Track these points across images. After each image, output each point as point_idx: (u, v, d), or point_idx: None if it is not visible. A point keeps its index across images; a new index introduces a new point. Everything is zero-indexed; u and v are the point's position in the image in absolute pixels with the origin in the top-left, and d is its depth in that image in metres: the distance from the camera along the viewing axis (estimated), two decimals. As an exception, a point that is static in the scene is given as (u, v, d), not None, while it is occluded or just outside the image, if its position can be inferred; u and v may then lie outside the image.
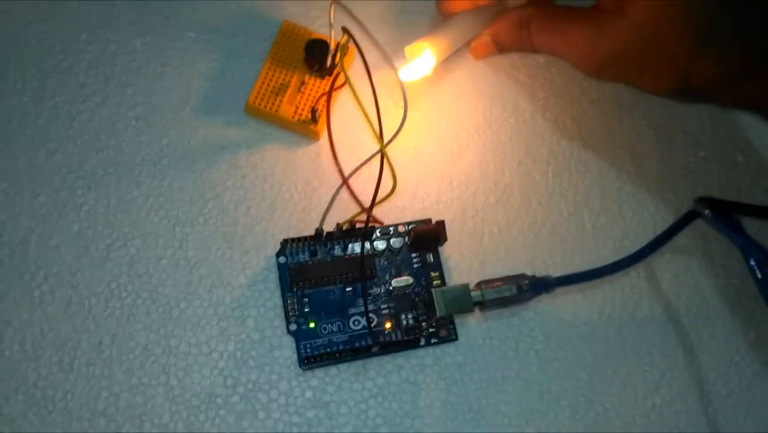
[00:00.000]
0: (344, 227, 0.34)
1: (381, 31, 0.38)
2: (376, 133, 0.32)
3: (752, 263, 0.36)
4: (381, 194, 0.32)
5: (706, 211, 0.35)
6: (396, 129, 0.32)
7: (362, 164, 0.34)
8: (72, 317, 0.33)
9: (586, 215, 0.37)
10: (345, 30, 0.33)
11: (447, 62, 0.38)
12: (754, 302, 0.37)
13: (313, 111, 0.35)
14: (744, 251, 0.35)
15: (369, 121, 0.32)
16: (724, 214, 0.34)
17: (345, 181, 0.35)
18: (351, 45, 0.33)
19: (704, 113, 0.40)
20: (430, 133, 0.38)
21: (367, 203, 0.34)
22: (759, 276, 0.35)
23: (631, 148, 0.39)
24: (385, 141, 0.32)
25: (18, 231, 0.33)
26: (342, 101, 0.37)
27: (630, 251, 0.36)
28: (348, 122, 0.36)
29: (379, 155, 0.32)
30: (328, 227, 0.34)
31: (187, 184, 0.35)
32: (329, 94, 0.36)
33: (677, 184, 0.38)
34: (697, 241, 0.37)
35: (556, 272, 0.35)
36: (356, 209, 0.35)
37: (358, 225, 0.34)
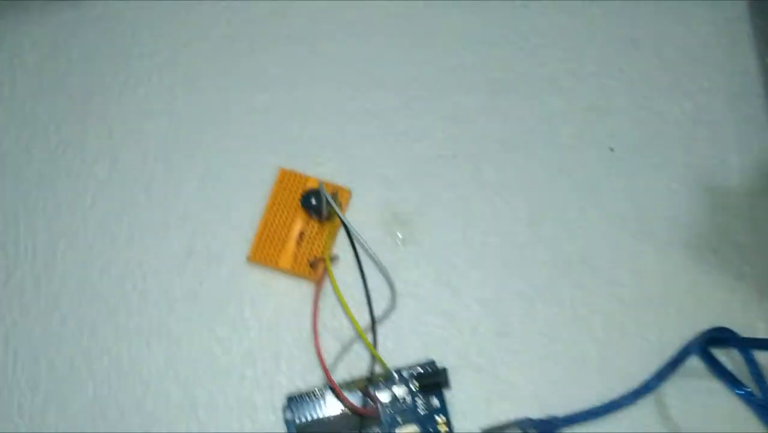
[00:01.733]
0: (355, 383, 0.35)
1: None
2: (359, 329, 0.33)
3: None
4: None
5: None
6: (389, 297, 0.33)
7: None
8: None
9: (589, 344, 0.37)
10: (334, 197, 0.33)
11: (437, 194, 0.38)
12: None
13: (314, 262, 0.36)
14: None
15: (352, 317, 0.33)
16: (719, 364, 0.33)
17: (332, 384, 0.35)
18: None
19: (705, 225, 0.39)
20: (428, 268, 0.38)
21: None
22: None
23: (632, 269, 0.38)
24: (376, 319, 0.33)
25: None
26: (342, 245, 0.38)
27: (637, 379, 0.36)
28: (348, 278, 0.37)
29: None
30: (337, 376, 0.35)
31: (194, 341, 0.36)
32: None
33: (682, 305, 0.38)
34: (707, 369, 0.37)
35: (562, 405, 0.35)
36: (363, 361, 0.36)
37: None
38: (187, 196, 0.38)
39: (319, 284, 0.37)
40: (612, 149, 0.41)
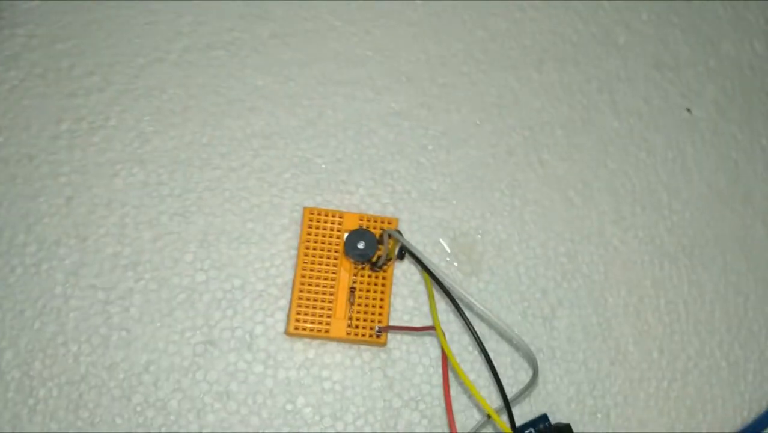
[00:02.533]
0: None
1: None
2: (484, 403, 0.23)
3: None
4: None
5: None
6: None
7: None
8: None
9: (718, 354, 0.31)
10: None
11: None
12: None
13: (379, 330, 0.28)
14: None
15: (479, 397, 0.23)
16: None
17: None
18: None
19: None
20: (509, 299, 0.30)
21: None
22: None
23: (741, 245, 0.32)
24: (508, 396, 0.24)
25: None
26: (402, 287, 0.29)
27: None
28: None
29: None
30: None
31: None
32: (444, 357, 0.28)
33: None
34: None
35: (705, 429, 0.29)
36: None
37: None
38: (184, 267, 0.29)
39: (385, 343, 0.29)
40: (689, 110, 0.34)
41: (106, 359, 0.28)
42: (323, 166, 0.31)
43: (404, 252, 0.28)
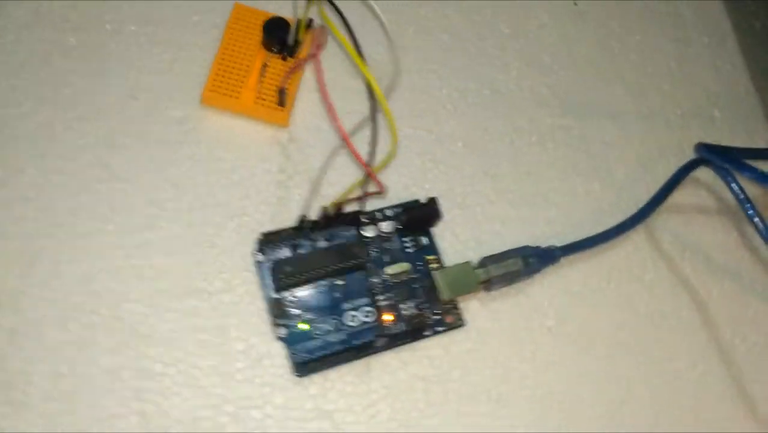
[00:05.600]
0: (331, 211, 0.31)
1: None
2: (374, 85, 0.27)
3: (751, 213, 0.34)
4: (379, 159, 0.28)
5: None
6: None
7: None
8: (21, 348, 0.28)
9: (577, 181, 0.35)
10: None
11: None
12: (757, 255, 0.35)
13: (281, 92, 0.32)
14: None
15: (365, 70, 0.27)
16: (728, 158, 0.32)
17: (345, 138, 0.29)
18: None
19: (676, 72, 0.39)
20: (411, 112, 0.35)
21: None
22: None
23: (610, 110, 0.37)
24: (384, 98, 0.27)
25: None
26: (309, 82, 0.34)
27: (627, 214, 0.34)
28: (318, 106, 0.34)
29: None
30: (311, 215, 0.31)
31: (144, 185, 0.31)
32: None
33: (661, 143, 0.37)
34: (692, 198, 0.36)
35: (557, 243, 0.33)
36: (337, 194, 0.32)
37: (346, 209, 0.31)
38: (127, 41, 0.34)
39: (287, 123, 0.33)
40: (575, 3, 0.40)
41: None
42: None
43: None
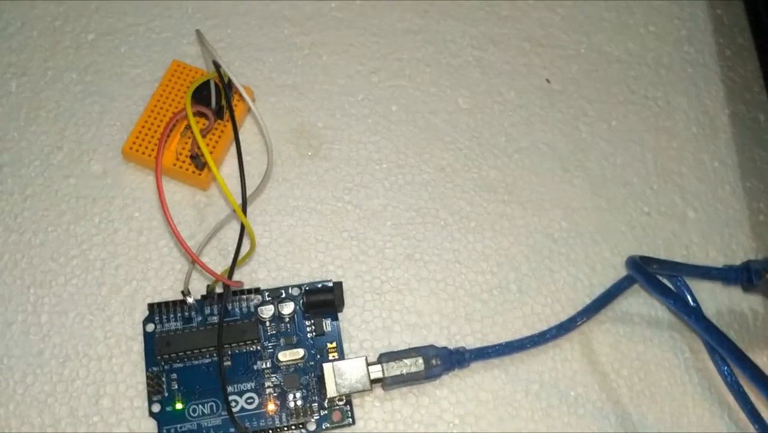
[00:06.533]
0: (212, 288, 0.29)
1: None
2: (228, 193, 0.27)
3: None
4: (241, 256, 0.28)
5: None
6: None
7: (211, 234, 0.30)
8: None
9: (511, 276, 0.33)
10: (216, 64, 0.29)
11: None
12: (705, 379, 0.32)
13: (194, 157, 0.31)
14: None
15: (220, 180, 0.27)
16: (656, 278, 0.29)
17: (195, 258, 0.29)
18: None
19: (651, 164, 0.36)
20: (344, 184, 0.33)
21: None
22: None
23: (563, 202, 0.34)
24: (248, 192, 0.27)
25: None
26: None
27: (561, 319, 0.31)
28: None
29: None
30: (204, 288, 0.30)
31: (49, 239, 0.31)
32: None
33: (616, 243, 0.34)
34: (641, 306, 0.33)
35: (474, 343, 0.31)
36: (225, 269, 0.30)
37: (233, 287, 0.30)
38: (64, 89, 0.34)
39: (206, 187, 0.32)
40: (548, 81, 0.37)
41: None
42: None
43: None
